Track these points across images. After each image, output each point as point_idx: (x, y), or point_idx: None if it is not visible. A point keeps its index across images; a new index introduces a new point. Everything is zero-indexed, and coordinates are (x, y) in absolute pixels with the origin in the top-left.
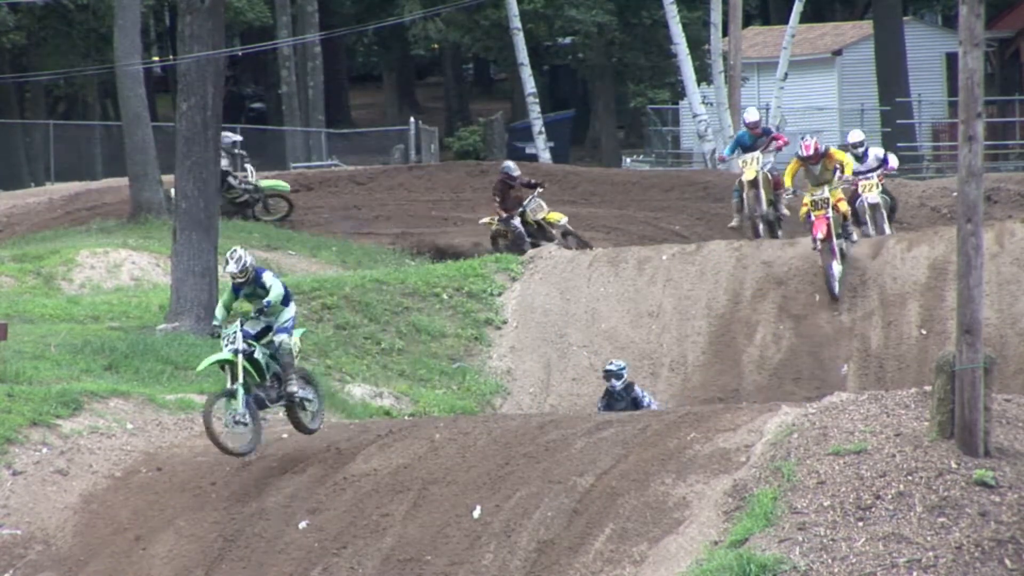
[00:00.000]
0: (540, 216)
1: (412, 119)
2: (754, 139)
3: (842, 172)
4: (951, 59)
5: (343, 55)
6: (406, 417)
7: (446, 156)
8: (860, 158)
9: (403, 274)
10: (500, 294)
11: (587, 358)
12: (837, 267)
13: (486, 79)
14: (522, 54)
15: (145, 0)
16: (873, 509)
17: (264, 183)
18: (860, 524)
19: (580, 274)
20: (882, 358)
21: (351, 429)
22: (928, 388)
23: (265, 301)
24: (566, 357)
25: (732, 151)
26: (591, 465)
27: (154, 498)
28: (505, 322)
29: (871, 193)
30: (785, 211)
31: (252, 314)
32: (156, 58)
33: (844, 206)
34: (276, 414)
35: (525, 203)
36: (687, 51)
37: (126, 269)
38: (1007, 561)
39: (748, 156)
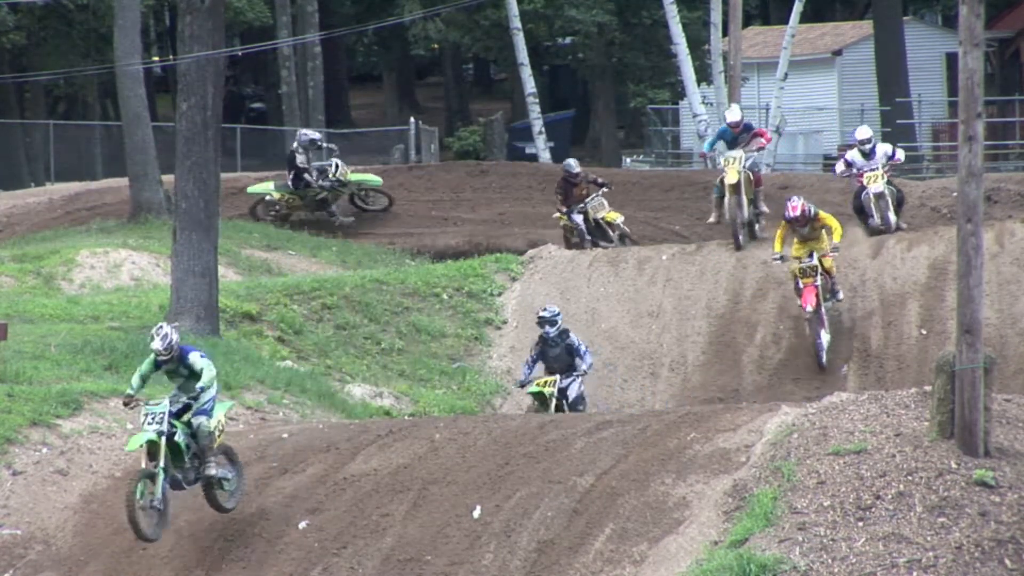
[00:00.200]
0: (600, 215)
1: (412, 119)
2: (735, 136)
3: (831, 235)
4: (951, 59)
5: (343, 55)
6: (406, 417)
7: (446, 156)
8: (868, 155)
9: (403, 274)
10: (500, 294)
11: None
12: (825, 336)
13: (486, 79)
14: (522, 54)
15: (145, 0)
16: (873, 509)
17: (353, 177)
18: (860, 524)
19: (580, 274)
20: (882, 358)
21: (351, 429)
22: (928, 388)
23: (198, 387)
24: None
25: (712, 146)
26: (591, 465)
27: None
28: (505, 322)
29: (875, 184)
30: (765, 208)
31: (174, 393)
32: (156, 58)
33: (830, 263)
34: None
35: (587, 200)
36: (687, 51)
37: (126, 269)
38: (1007, 561)
39: (730, 155)
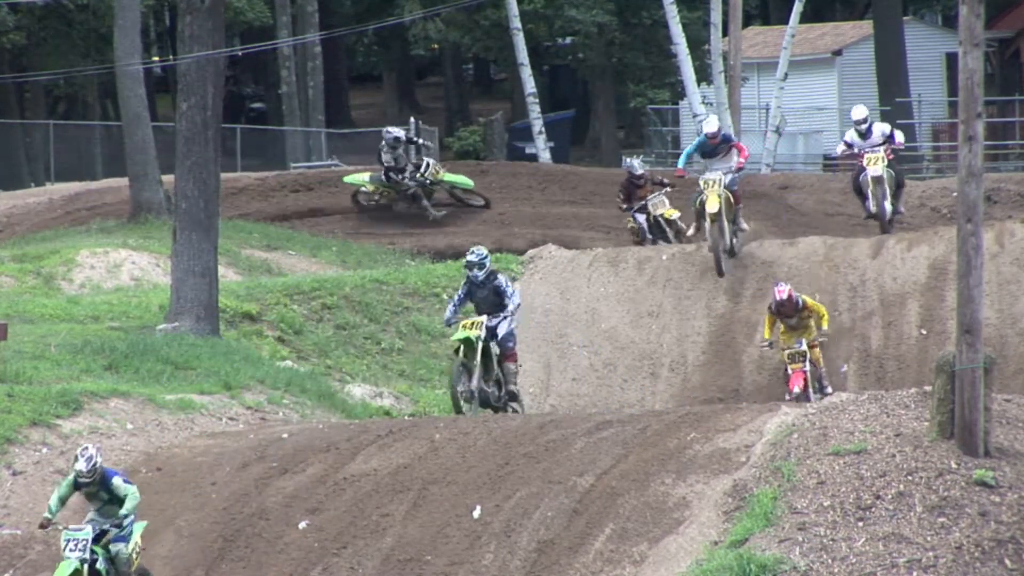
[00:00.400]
0: (660, 212)
1: (412, 119)
2: (714, 148)
3: (820, 325)
4: (951, 59)
5: (343, 55)
6: (406, 417)
7: (446, 156)
8: (864, 135)
9: (403, 274)
10: None
11: (587, 358)
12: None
13: (486, 79)
14: (522, 54)
15: (145, 0)
16: (873, 509)
17: (447, 177)
18: (860, 524)
19: (580, 274)
20: (882, 358)
21: (351, 429)
22: (928, 388)
23: (122, 513)
24: (566, 357)
25: (686, 161)
26: (591, 465)
27: (154, 498)
28: None
29: (875, 167)
30: (744, 226)
31: (91, 517)
32: (156, 58)
33: (818, 354)
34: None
35: (649, 198)
36: (687, 51)
37: (126, 269)
38: (1007, 561)
39: (709, 177)
